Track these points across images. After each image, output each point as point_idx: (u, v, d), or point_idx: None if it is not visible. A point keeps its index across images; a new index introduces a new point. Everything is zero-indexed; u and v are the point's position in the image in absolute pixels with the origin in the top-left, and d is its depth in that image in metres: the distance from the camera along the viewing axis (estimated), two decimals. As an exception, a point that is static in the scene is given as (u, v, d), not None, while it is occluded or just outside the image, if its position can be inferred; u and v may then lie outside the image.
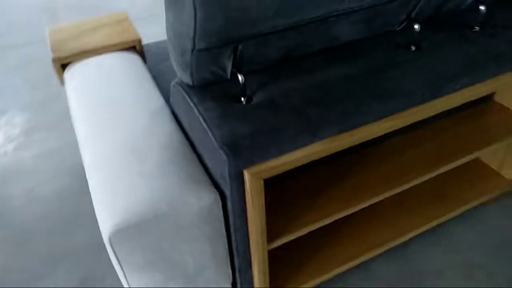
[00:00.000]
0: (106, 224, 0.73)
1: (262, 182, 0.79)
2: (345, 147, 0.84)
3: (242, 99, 0.85)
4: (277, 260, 1.14)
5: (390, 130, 0.87)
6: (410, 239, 1.31)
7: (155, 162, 0.83)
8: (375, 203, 1.16)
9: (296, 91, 0.86)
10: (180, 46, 0.77)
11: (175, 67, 0.85)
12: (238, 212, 0.82)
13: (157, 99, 1.01)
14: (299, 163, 0.80)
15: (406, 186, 1.02)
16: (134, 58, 1.17)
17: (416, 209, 1.26)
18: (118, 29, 1.25)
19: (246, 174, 0.77)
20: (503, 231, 1.34)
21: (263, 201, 0.82)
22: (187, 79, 0.86)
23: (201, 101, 0.84)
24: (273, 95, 0.85)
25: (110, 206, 0.75)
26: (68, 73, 1.15)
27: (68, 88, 1.12)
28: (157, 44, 1.39)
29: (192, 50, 0.75)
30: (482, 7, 1.01)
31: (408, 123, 0.89)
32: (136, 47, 1.22)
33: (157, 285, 0.84)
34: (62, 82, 1.19)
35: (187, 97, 0.86)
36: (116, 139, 0.89)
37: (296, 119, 0.80)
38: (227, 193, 0.79)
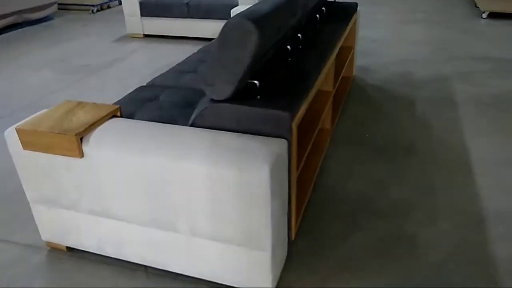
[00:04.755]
0: (263, 168, 1.19)
1: (296, 127, 1.42)
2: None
3: (258, 96, 1.45)
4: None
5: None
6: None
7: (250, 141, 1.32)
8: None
9: (281, 85, 1.54)
10: (237, 67, 1.32)
11: (220, 86, 1.36)
12: (290, 148, 1.41)
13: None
14: (302, 115, 1.48)
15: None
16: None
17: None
18: (90, 107, 1.51)
19: (293, 124, 1.39)
20: (345, 155, 2.34)
21: (296, 139, 1.45)
22: (226, 93, 1.38)
23: (245, 103, 1.39)
24: (271, 92, 1.50)
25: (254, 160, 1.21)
26: (91, 143, 1.36)
27: (99, 153, 1.35)
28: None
29: (247, 67, 1.32)
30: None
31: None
32: (118, 114, 1.53)
33: (278, 208, 1.31)
34: (81, 154, 1.36)
35: (233, 105, 1.38)
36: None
37: (291, 96, 1.48)
38: (288, 138, 1.38)
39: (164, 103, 1.95)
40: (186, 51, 4.25)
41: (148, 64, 3.90)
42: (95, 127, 1.43)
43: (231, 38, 1.29)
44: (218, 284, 1.53)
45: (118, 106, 1.54)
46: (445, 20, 5.09)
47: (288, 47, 1.79)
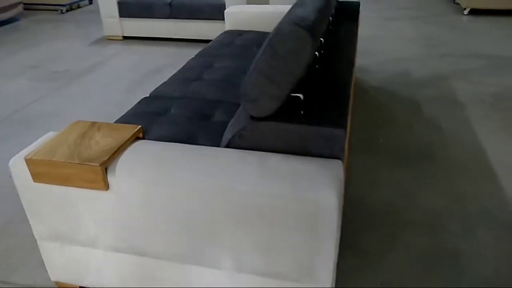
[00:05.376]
0: (330, 196, 1.05)
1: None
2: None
3: (302, 111, 1.30)
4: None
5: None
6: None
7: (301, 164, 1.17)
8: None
9: (319, 96, 1.39)
10: (287, 81, 1.16)
11: (265, 102, 1.20)
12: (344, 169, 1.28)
13: (224, 148, 1.27)
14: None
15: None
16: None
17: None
18: (108, 129, 1.32)
19: (346, 140, 1.25)
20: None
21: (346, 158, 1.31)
22: (270, 110, 1.22)
23: (291, 120, 1.23)
24: (313, 105, 1.35)
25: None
26: (117, 172, 1.17)
27: (127, 183, 1.16)
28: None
29: (296, 80, 1.17)
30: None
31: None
32: (140, 135, 1.34)
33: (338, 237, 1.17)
34: (107, 186, 1.17)
35: (279, 123, 1.22)
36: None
37: (336, 109, 1.34)
38: (342, 157, 1.24)
39: (177, 117, 1.77)
40: (171, 53, 4.03)
41: (132, 69, 3.65)
42: (120, 153, 1.24)
43: (284, 48, 1.14)
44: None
45: (140, 126, 1.35)
46: (428, 17, 5.10)
47: (316, 53, 1.65)
